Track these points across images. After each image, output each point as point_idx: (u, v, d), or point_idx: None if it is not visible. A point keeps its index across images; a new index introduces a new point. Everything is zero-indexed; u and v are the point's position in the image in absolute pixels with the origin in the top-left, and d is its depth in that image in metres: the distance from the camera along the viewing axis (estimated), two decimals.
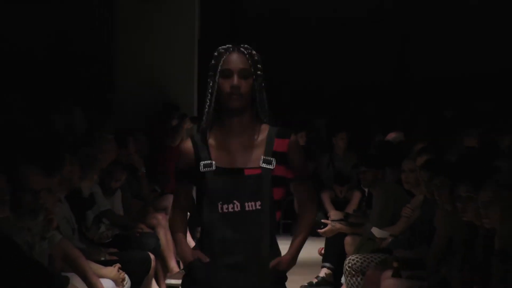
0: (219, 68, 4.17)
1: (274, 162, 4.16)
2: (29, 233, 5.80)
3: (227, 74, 4.16)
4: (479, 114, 11.30)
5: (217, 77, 4.18)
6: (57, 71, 12.87)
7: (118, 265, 6.76)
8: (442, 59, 14.84)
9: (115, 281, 6.50)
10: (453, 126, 10.32)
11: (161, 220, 8.75)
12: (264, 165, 4.14)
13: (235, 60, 4.20)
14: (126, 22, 10.84)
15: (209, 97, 4.22)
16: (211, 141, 4.23)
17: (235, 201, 4.11)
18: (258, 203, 4.11)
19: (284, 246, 4.32)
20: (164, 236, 8.49)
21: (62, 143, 7.89)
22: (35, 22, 13.07)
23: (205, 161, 4.17)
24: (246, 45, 4.29)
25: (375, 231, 7.87)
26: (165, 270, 8.48)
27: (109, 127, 9.34)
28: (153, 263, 7.61)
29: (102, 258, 7.02)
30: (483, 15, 15.06)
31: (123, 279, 6.69)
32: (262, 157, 4.17)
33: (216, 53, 4.24)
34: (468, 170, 6.36)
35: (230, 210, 4.12)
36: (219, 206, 4.12)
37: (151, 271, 7.58)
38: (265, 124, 4.29)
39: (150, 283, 7.63)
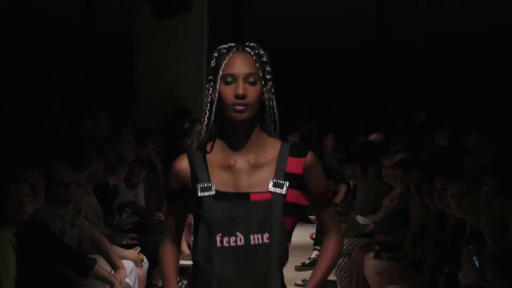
0: (220, 72, 3.03)
1: (286, 186, 3.01)
2: (61, 221, 5.91)
3: (230, 80, 3.01)
4: (449, 117, 11.24)
5: (217, 83, 3.03)
6: (87, 81, 12.87)
7: (138, 248, 6.74)
8: (417, 72, 14.71)
9: (135, 262, 6.46)
10: (426, 128, 10.29)
11: None
12: (274, 189, 3.01)
13: (240, 63, 3.05)
14: (145, 39, 10.80)
15: (207, 107, 3.09)
16: (210, 159, 3.09)
17: (238, 233, 3.00)
18: (266, 235, 3.01)
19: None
20: None
21: (89, 143, 7.89)
22: (75, 52, 13.33)
23: (203, 183, 3.03)
24: (252, 44, 3.14)
25: (359, 218, 7.85)
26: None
27: (129, 129, 9.29)
28: None
29: (124, 242, 6.99)
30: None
31: (142, 260, 6.68)
32: (272, 179, 3.03)
33: (216, 54, 3.11)
34: (439, 166, 6.32)
35: (232, 244, 3.00)
36: (218, 238, 2.99)
37: None
38: (275, 139, 3.13)
39: None
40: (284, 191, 2.99)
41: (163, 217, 8.33)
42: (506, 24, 14.54)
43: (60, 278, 5.47)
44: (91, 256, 6.19)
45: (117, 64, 12.32)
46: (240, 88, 2.97)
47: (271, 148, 3.07)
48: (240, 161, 3.04)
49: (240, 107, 2.97)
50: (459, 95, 13.27)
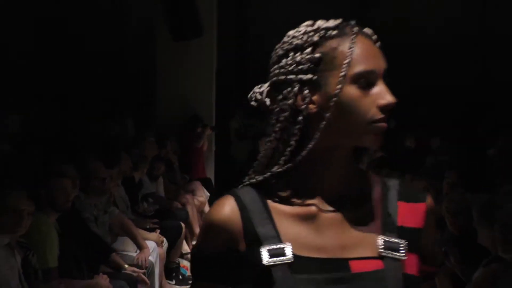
0: (348, 69, 1.53)
1: (405, 247, 1.53)
2: (95, 209, 5.93)
3: (367, 81, 1.55)
4: (416, 121, 11.21)
5: (340, 86, 1.52)
6: (117, 93, 12.86)
7: (158, 231, 6.73)
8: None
9: (156, 242, 6.46)
10: (397, 132, 10.24)
11: (189, 199, 8.71)
12: (387, 253, 1.54)
13: (376, 52, 1.60)
14: (164, 58, 10.80)
15: (298, 126, 1.55)
16: (275, 204, 1.58)
17: None
18: None
19: None
20: (191, 211, 8.45)
21: (119, 145, 7.91)
22: (107, 69, 13.37)
23: (270, 244, 1.52)
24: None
25: None
26: (192, 234, 8.42)
27: (151, 133, 9.29)
28: (183, 230, 7.57)
29: (147, 226, 6.97)
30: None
31: (162, 241, 6.68)
32: (381, 237, 1.56)
33: (315, 37, 1.59)
34: (406, 165, 6.31)
35: None
36: None
37: (182, 235, 7.54)
38: (367, 172, 1.67)
39: (181, 244, 7.61)
40: (403, 255, 1.54)
41: (178, 206, 8.33)
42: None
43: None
44: (121, 237, 6.24)
45: (141, 79, 12.32)
46: (389, 95, 1.57)
47: (369, 187, 1.64)
48: (327, 207, 1.58)
49: (384, 125, 1.56)
50: (426, 99, 13.16)
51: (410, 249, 1.56)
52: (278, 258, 1.50)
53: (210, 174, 11.07)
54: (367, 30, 1.62)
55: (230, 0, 13.17)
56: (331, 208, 1.58)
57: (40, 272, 4.59)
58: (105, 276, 5.12)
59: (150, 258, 6.09)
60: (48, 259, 4.73)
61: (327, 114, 1.53)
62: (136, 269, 5.80)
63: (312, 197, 1.58)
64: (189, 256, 8.06)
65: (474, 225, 4.22)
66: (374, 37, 1.62)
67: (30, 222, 4.35)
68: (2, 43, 12.97)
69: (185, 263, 7.86)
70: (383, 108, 1.55)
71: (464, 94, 13.51)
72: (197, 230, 8.57)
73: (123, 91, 12.96)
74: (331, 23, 1.61)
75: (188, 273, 7.64)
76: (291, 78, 1.58)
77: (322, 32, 1.59)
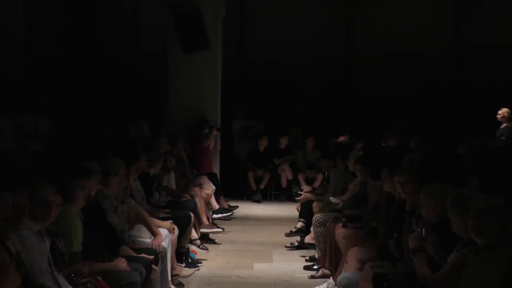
0: None
1: None
2: (115, 199, 5.84)
3: None
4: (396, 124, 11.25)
5: None
6: (135, 99, 12.90)
7: (171, 220, 6.70)
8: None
9: (168, 230, 6.45)
10: (381, 133, 10.26)
11: (197, 192, 8.71)
12: None
13: None
14: (176, 69, 10.82)
15: None
16: None
17: None
18: None
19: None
20: (199, 202, 8.44)
21: (136, 145, 7.90)
22: (127, 79, 13.40)
23: None
24: None
25: (332, 198, 7.83)
26: (200, 223, 8.43)
27: (164, 134, 9.28)
28: (192, 219, 7.59)
29: (160, 216, 6.96)
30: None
31: (174, 229, 6.68)
32: None
33: None
34: (388, 161, 6.31)
35: None
36: None
37: (191, 224, 7.54)
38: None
39: (190, 231, 7.62)
40: None
41: (188, 198, 8.34)
42: None
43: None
44: (137, 225, 6.24)
45: (155, 87, 12.34)
46: None
47: None
48: None
49: None
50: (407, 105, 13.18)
51: None
52: None
53: (216, 169, 11.08)
54: None
55: (232, 18, 13.23)
56: None
57: (66, 256, 4.62)
58: (123, 259, 5.12)
59: (163, 243, 6.08)
60: (73, 244, 4.73)
61: None
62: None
63: None
64: (197, 241, 8.09)
65: (448, 215, 4.23)
66: None
67: (58, 212, 4.36)
68: (34, 57, 13.06)
69: (194, 248, 7.87)
70: None
71: (437, 103, 13.58)
72: (204, 219, 8.59)
73: (140, 98, 13.02)
74: None
75: (197, 256, 7.66)
76: None
77: None
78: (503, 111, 11.16)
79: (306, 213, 8.58)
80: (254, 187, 11.99)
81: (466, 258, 3.96)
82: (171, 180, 8.46)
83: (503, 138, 10.60)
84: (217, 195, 9.89)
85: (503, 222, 3.77)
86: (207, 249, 8.19)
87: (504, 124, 10.99)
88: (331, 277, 6.47)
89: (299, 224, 8.75)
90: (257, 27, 14.46)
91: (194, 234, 8.00)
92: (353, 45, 14.48)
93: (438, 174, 5.22)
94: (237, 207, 10.62)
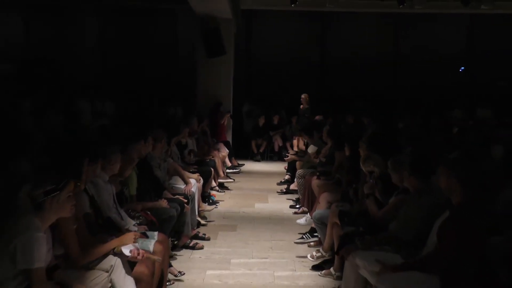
0: None
1: None
2: (158, 158, 5.75)
3: None
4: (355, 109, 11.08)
5: None
6: (171, 90, 12.76)
7: (198, 173, 6.68)
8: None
9: (196, 180, 6.42)
10: (344, 113, 10.08)
11: (216, 154, 8.66)
12: None
13: None
14: (201, 68, 10.72)
15: None
16: None
17: None
18: None
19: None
20: (217, 161, 8.39)
21: (175, 122, 7.80)
22: (169, 75, 13.17)
23: None
24: None
25: (310, 149, 7.80)
26: (217, 175, 8.41)
27: (194, 114, 9.20)
28: (212, 173, 7.54)
29: (190, 170, 6.92)
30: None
31: (200, 179, 6.66)
32: None
33: None
34: (349, 135, 6.20)
35: None
36: None
37: (212, 176, 7.52)
38: None
39: (211, 181, 7.59)
40: None
41: (209, 158, 8.30)
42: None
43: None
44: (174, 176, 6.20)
45: (187, 81, 12.26)
46: None
47: None
48: None
49: None
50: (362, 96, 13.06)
51: None
52: None
53: (229, 138, 11.06)
54: None
55: (242, 30, 13.12)
56: None
57: (127, 198, 4.61)
58: (165, 200, 5.10)
59: (193, 189, 6.07)
60: (131, 190, 4.72)
61: None
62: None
63: None
64: (216, 188, 8.07)
65: (388, 171, 4.22)
66: None
67: (118, 167, 4.29)
68: (107, 61, 12.99)
69: (214, 192, 7.86)
70: None
71: (383, 95, 13.54)
72: (220, 172, 8.58)
73: (176, 90, 12.97)
74: None
75: (215, 198, 7.67)
76: None
77: None
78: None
79: (291, 169, 8.55)
80: (255, 151, 11.91)
81: (402, 201, 3.96)
82: (196, 146, 8.44)
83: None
84: (229, 156, 9.86)
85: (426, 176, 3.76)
86: (224, 191, 8.20)
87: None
88: (308, 213, 6.48)
89: (286, 177, 8.74)
90: (259, 38, 14.39)
91: (213, 183, 8.01)
92: (326, 50, 14.38)
93: (383, 143, 5.16)
94: (243, 164, 10.56)
